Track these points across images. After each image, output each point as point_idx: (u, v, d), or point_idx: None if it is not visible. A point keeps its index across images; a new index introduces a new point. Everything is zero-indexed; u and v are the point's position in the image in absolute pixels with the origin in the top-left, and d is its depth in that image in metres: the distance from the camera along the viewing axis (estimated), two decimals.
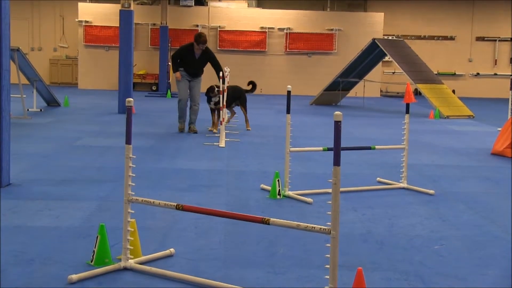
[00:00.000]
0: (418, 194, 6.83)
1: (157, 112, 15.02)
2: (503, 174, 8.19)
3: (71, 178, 7.15)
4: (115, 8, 20.76)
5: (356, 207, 6.16)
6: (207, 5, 23.36)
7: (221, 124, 10.35)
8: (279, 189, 6.42)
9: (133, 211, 4.27)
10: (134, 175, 4.22)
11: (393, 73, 24.34)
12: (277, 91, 22.38)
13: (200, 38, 10.84)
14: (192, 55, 10.99)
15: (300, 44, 23.35)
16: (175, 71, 11.09)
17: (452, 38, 24.93)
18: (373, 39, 17.28)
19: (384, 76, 24.15)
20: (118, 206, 5.65)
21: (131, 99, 4.20)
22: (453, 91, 21.32)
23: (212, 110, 11.42)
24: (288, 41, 23.32)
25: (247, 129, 11.81)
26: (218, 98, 10.85)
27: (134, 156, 4.25)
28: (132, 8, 14.69)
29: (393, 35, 24.02)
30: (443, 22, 24.78)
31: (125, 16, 14.63)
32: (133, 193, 4.22)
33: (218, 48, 22.99)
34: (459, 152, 10.03)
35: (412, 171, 7.88)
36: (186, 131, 11.26)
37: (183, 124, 11.36)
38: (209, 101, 11.30)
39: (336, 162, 3.47)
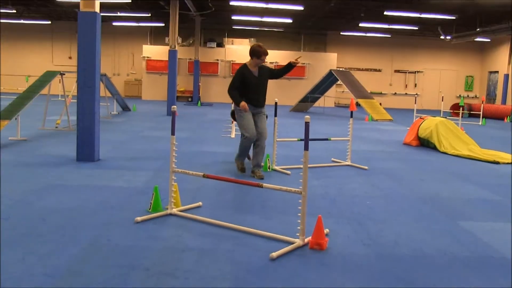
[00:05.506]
0: (357, 169, 6.83)
1: (191, 115, 14.97)
2: (411, 156, 8.19)
3: (137, 156, 7.13)
4: (166, 48, 20.60)
5: (318, 177, 6.16)
6: (224, 47, 23.22)
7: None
8: (269, 165, 6.40)
9: (175, 178, 4.27)
10: (176, 155, 4.21)
11: (342, 91, 24.24)
12: (267, 102, 22.24)
13: (261, 48, 5.69)
14: (251, 75, 5.82)
15: None
16: (238, 102, 5.69)
17: (379, 70, 24.85)
18: (330, 70, 17.18)
19: (337, 93, 24.06)
20: (166, 174, 5.65)
21: (175, 106, 4.20)
22: (380, 104, 21.24)
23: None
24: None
25: None
26: None
27: (176, 143, 4.25)
28: (176, 48, 14.62)
29: (343, 67, 23.89)
30: (374, 60, 24.68)
31: (172, 53, 14.56)
32: (175, 166, 4.22)
33: (231, 74, 22.87)
34: (383, 143, 10.01)
35: (354, 154, 7.88)
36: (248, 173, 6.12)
37: (243, 163, 6.11)
38: None
39: (306, 148, 3.47)
